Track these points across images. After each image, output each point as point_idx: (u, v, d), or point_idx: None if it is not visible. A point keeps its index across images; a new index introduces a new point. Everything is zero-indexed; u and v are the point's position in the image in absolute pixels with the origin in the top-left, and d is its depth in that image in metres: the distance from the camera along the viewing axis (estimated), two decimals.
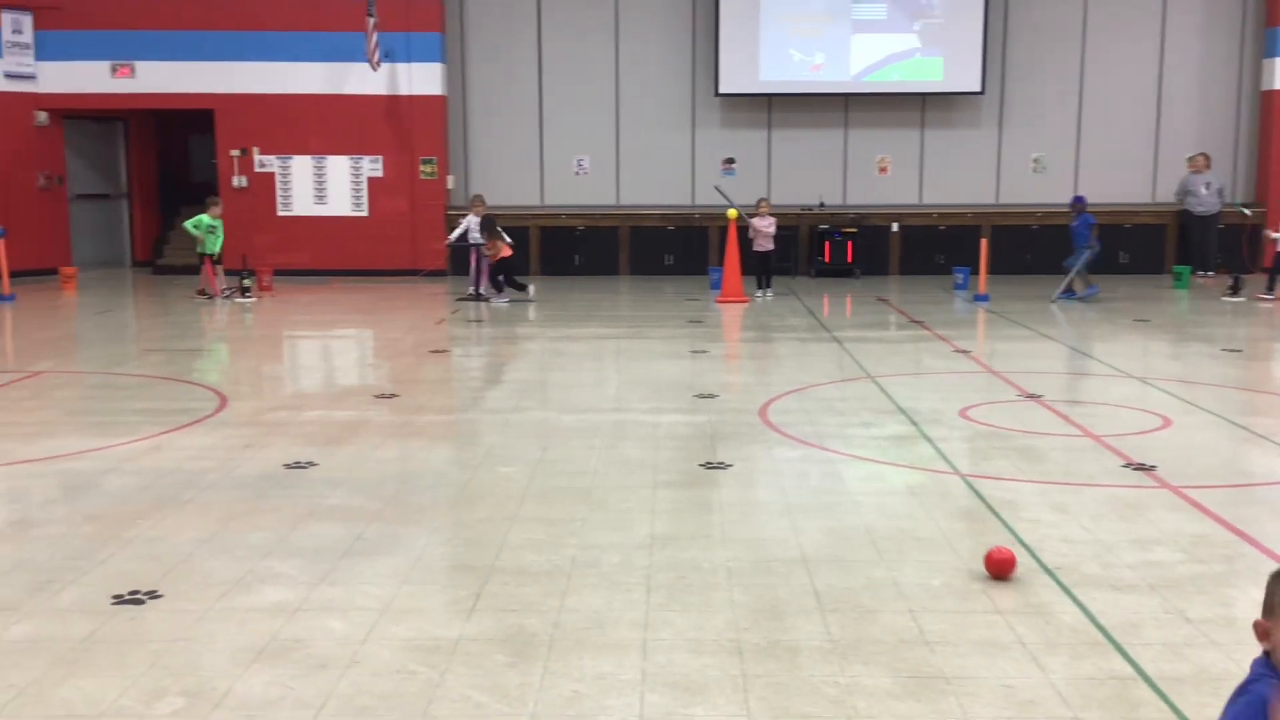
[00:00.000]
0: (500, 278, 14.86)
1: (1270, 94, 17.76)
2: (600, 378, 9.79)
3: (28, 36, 17.47)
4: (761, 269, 15.28)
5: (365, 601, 4.55)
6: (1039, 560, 4.99)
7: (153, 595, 4.62)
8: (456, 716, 3.61)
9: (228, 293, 15.20)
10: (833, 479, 6.53)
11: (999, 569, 4.72)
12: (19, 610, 4.46)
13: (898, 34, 18.02)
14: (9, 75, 17.27)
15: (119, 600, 4.56)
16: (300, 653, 4.07)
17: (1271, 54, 17.70)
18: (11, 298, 14.85)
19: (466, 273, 15.51)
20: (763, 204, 15.50)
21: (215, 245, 15.33)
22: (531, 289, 15.11)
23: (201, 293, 15.23)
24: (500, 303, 14.70)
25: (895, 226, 18.17)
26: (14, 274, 15.39)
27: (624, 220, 18.29)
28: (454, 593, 4.68)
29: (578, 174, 18.59)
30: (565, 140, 18.51)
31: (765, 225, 15.22)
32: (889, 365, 10.11)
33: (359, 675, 3.89)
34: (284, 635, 4.22)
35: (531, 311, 14.33)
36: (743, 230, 15.16)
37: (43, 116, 17.69)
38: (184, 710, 3.64)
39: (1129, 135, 18.29)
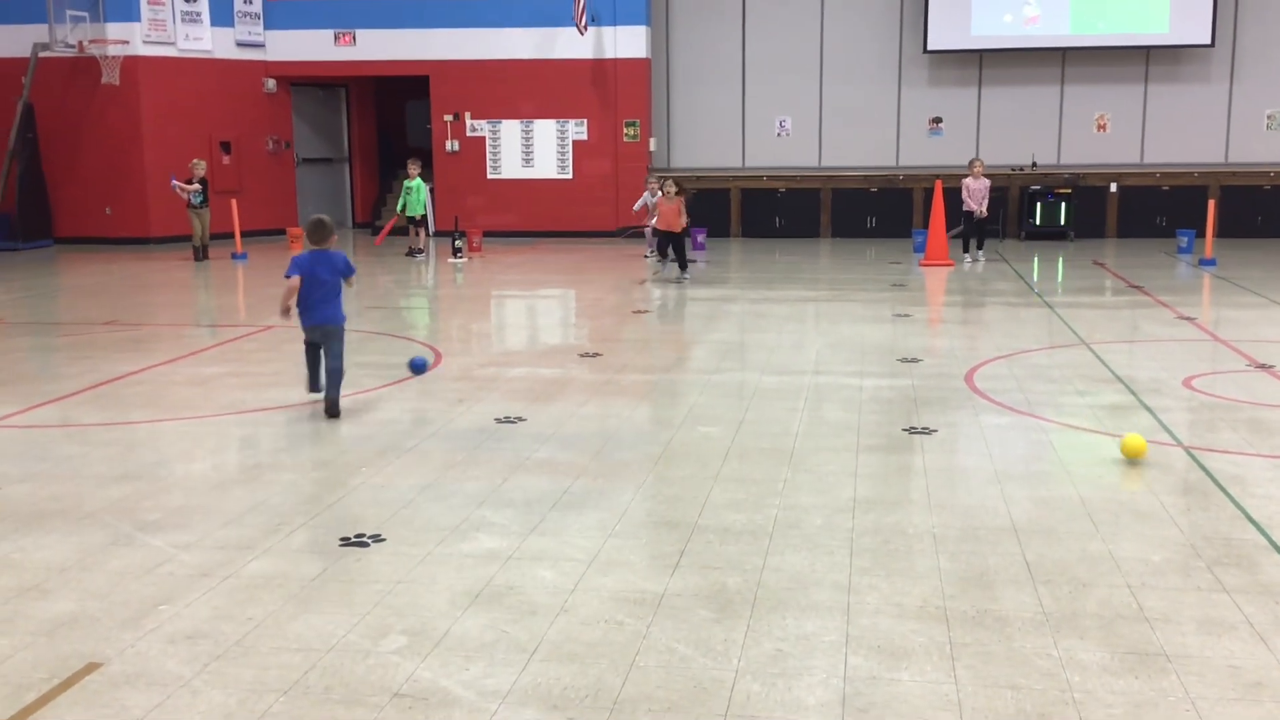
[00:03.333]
0: (668, 248, 13.46)
1: None
2: (801, 340, 9.73)
3: (257, 6, 18.43)
4: (971, 231, 14.76)
5: (573, 552, 4.69)
6: (1269, 538, 4.73)
7: (377, 539, 4.87)
8: (663, 668, 3.69)
9: (410, 252, 15.81)
10: (1044, 448, 6.32)
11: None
12: (255, 549, 4.78)
13: None
14: (240, 44, 18.28)
15: (346, 542, 4.84)
16: (513, 599, 4.23)
17: None
18: (244, 256, 15.78)
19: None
20: (976, 164, 14.91)
21: (411, 207, 15.88)
22: (686, 278, 13.28)
23: (409, 252, 15.86)
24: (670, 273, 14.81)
25: (1113, 187, 17.35)
26: (245, 234, 16.35)
27: (825, 182, 18.06)
28: (658, 548, 4.77)
29: (779, 135, 18.45)
30: (767, 101, 18.38)
31: (978, 186, 14.69)
32: (1105, 331, 9.69)
33: (568, 623, 4.02)
34: (498, 581, 4.39)
35: (732, 273, 14.32)
36: (953, 192, 14.75)
37: (271, 84, 18.67)
38: (407, 648, 3.84)
39: None
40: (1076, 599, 4.17)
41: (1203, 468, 5.76)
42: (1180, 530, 4.87)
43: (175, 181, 15.97)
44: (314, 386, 7.20)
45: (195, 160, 16.05)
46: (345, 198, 20.61)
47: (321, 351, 7.10)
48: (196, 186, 15.70)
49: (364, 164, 20.69)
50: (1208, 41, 16.96)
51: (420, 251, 15.90)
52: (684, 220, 13.30)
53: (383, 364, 8.77)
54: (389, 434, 6.59)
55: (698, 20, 18.37)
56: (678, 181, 13.43)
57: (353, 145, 20.56)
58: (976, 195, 14.64)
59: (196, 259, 15.56)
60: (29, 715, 3.40)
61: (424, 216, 16.03)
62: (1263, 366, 8.14)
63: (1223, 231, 14.82)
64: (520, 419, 6.94)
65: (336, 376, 7.04)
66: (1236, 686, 3.51)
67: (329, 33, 18.39)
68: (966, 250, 14.66)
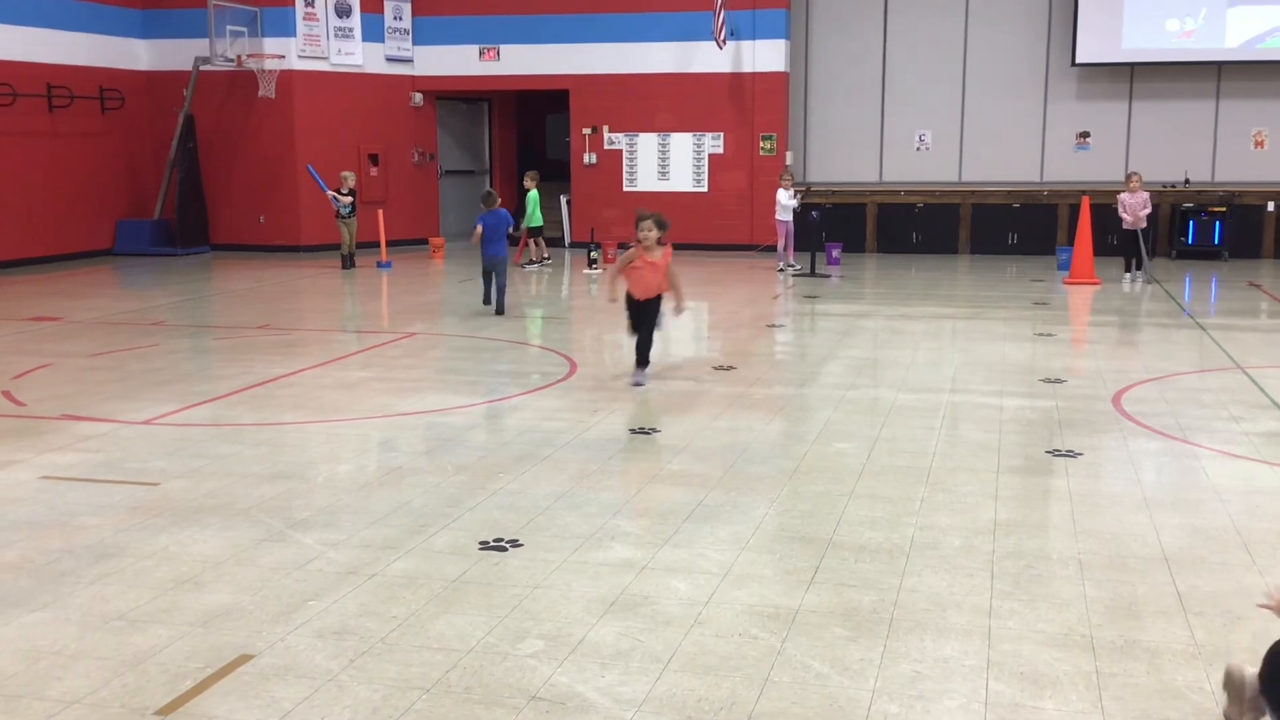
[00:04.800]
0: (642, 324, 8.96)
1: None
2: (938, 357, 9.57)
3: (406, 22, 18.97)
4: (1131, 249, 14.16)
5: (707, 565, 4.69)
6: None
7: (514, 544, 4.96)
8: (798, 684, 3.67)
9: (525, 264, 15.97)
10: (1196, 474, 6.10)
11: None
12: (399, 549, 4.91)
13: None
14: (390, 59, 18.83)
15: (485, 546, 4.93)
16: (648, 609, 4.26)
17: None
18: (388, 265, 16.24)
19: (804, 248, 15.52)
20: (1133, 178, 14.33)
21: (529, 218, 16.09)
22: (641, 381, 8.55)
23: (525, 264, 16.10)
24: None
25: (1271, 206, 16.62)
26: (390, 243, 16.82)
27: (965, 197, 17.74)
28: (793, 563, 4.74)
29: (918, 150, 18.19)
30: (907, 115, 18.15)
31: (1135, 200, 14.13)
32: (1262, 355, 9.30)
33: (702, 635, 4.03)
34: (633, 591, 4.42)
35: (867, 289, 14.17)
36: (1102, 210, 14.31)
37: (418, 97, 19.18)
38: (544, 652, 3.90)
39: None
40: (1230, 632, 4.02)
41: None
42: None
43: (316, 178, 16.53)
44: (487, 300, 11.79)
45: (345, 172, 16.57)
46: None
47: (494, 274, 11.60)
48: (349, 199, 16.20)
49: (504, 176, 21.09)
50: None
51: (535, 263, 16.09)
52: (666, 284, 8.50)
53: (519, 372, 8.92)
54: (525, 442, 6.70)
55: (837, 33, 18.25)
56: (658, 219, 8.45)
57: (494, 157, 20.98)
58: (1133, 210, 14.09)
59: (344, 267, 16.06)
60: (186, 703, 3.56)
61: (540, 227, 16.22)
62: None
63: None
64: (654, 430, 6.98)
65: (503, 291, 11.74)
66: None
67: (474, 48, 18.81)
68: (1128, 270, 14.10)
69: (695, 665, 3.80)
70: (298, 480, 5.96)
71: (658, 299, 8.48)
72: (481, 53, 18.80)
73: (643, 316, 8.45)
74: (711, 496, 5.63)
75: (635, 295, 8.46)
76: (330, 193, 16.29)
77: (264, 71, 17.49)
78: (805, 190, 16.52)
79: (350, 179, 16.45)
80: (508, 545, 4.94)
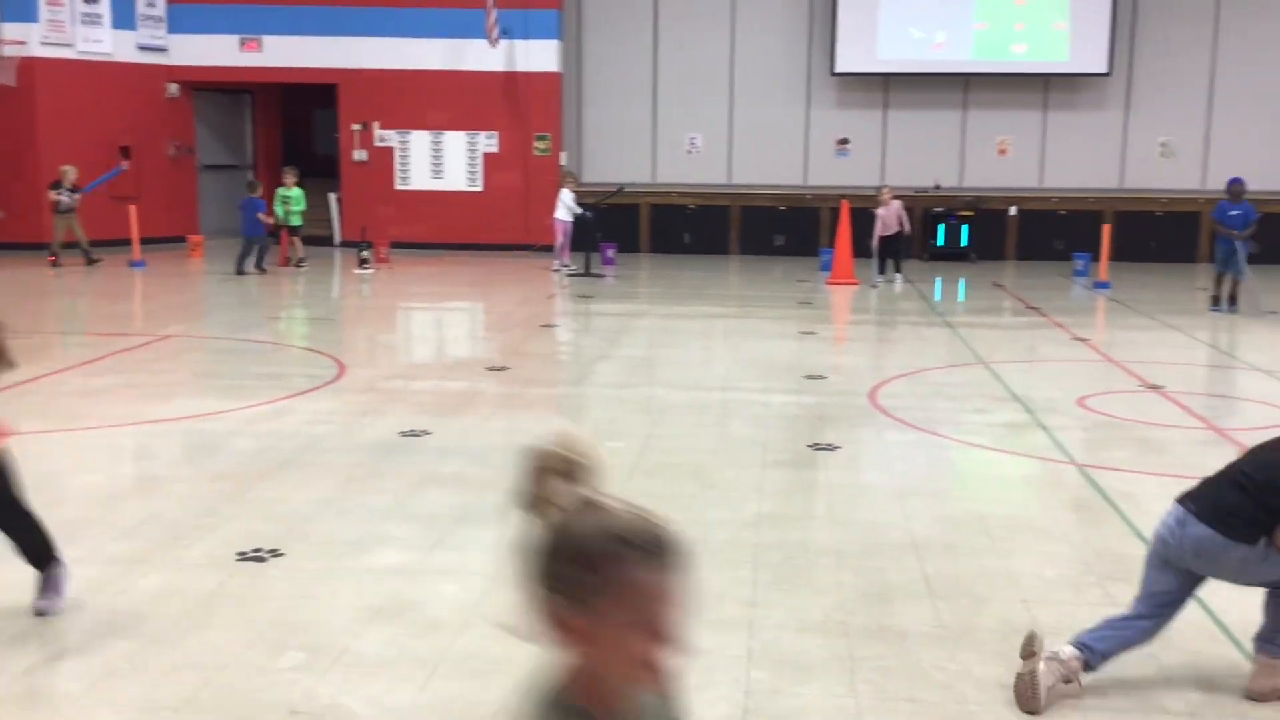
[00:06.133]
0: None
1: None
2: (709, 356, 9.79)
3: (160, 9, 18.03)
4: (888, 253, 14.82)
5: (477, 567, 4.64)
6: None
7: (275, 553, 4.78)
8: None
9: (295, 263, 15.54)
10: (944, 465, 6.45)
11: None
12: (150, 562, 4.65)
13: (1023, 13, 17.58)
14: (142, 47, 17.86)
15: (244, 557, 4.73)
16: (416, 614, 4.18)
17: None
18: (142, 264, 15.40)
19: (579, 248, 15.61)
20: (884, 191, 15.02)
21: (290, 217, 15.61)
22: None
23: (285, 263, 15.60)
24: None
25: (1013, 210, 17.78)
26: (144, 241, 15.96)
27: (735, 199, 18.23)
28: None
29: (690, 152, 18.58)
30: (678, 118, 18.51)
31: (889, 212, 14.75)
32: (1004, 351, 9.93)
33: (471, 639, 3.98)
34: (400, 597, 4.33)
35: (641, 288, 14.38)
36: (861, 214, 14.95)
37: (173, 88, 18.26)
38: (304, 664, 3.76)
39: (1263, 120, 17.59)
40: (973, 613, 4.26)
41: (1095, 485, 5.91)
42: (1073, 546, 5.00)
43: (106, 178, 15.66)
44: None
45: (64, 167, 15.52)
46: None
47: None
48: (65, 196, 15.23)
49: (269, 170, 20.31)
50: (1105, 70, 17.50)
51: (302, 261, 15.60)
52: None
53: (284, 375, 8.62)
54: (289, 447, 6.47)
55: (610, 36, 18.45)
56: None
57: (257, 152, 20.20)
58: (887, 222, 14.70)
59: (86, 264, 15.12)
60: None
61: (300, 227, 15.72)
62: (1153, 387, 8.40)
63: (1117, 255, 15.26)
64: (426, 432, 6.87)
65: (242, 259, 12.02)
66: (1125, 697, 3.61)
67: (234, 38, 18.06)
68: (882, 271, 14.75)
69: (464, 670, 3.75)
70: (36, 493, 5.56)
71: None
72: (242, 43, 18.07)
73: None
74: (483, 498, 5.57)
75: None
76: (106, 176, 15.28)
77: (3, 59, 16.29)
78: (579, 190, 16.61)
79: (71, 173, 15.46)
80: (268, 555, 4.76)
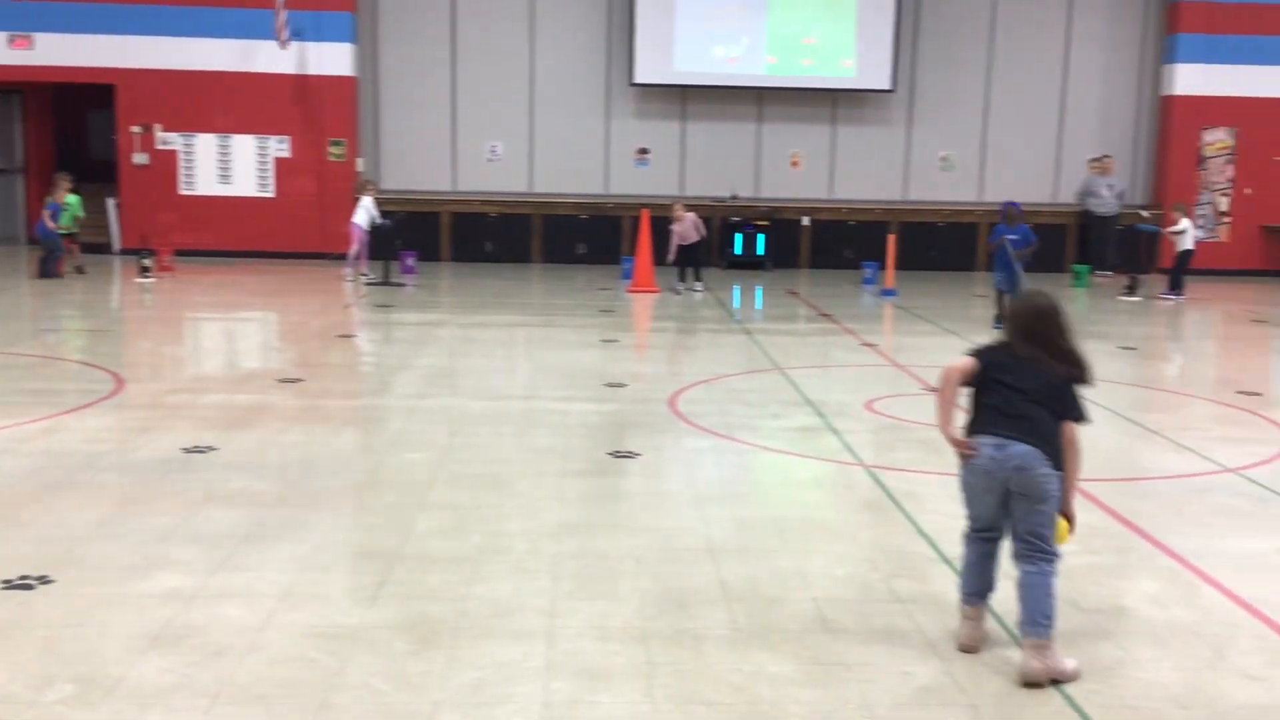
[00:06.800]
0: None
1: (1169, 99, 18.31)
2: (511, 365, 9.73)
3: None
4: (688, 262, 15.03)
5: (265, 588, 4.47)
6: (939, 551, 5.08)
7: (44, 580, 4.48)
8: (356, 704, 3.56)
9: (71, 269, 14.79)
10: (741, 469, 6.58)
11: None
12: None
13: (813, 30, 18.18)
14: None
15: (8, 585, 4.42)
16: (197, 640, 3.98)
17: (1170, 60, 18.24)
18: None
19: (378, 256, 15.29)
20: (677, 207, 15.25)
21: (68, 222, 14.89)
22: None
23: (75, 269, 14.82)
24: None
25: (806, 220, 18.35)
26: None
27: (537, 208, 18.21)
28: (357, 579, 4.62)
29: (490, 160, 18.46)
30: (478, 126, 18.36)
31: (684, 227, 14.98)
32: (798, 357, 10.21)
33: (257, 663, 3.82)
34: (180, 622, 4.12)
35: (442, 297, 14.19)
36: (661, 223, 15.14)
37: None
38: (74, 698, 3.53)
39: (1033, 136, 18.71)
40: (767, 614, 4.34)
41: (881, 486, 6.14)
42: (861, 545, 5.17)
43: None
44: None
45: None
46: (18, 211, 19.00)
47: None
48: None
49: (40, 176, 19.14)
50: (889, 87, 18.26)
51: (81, 269, 14.80)
52: None
53: (57, 390, 8.12)
54: (60, 467, 6.09)
55: (406, 42, 18.15)
56: None
57: (28, 156, 19.01)
58: (683, 234, 14.91)
59: None
60: None
61: (77, 233, 14.95)
62: (934, 390, 8.76)
63: (902, 264, 15.92)
64: (212, 448, 6.58)
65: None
66: (908, 691, 3.74)
67: (2, 35, 16.95)
68: (682, 279, 14.95)
69: (248, 696, 3.59)
70: None
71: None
72: (11, 40, 16.97)
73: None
74: (273, 515, 5.38)
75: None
76: None
77: None
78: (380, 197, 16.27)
79: None
80: (36, 583, 4.45)
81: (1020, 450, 3.87)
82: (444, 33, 18.16)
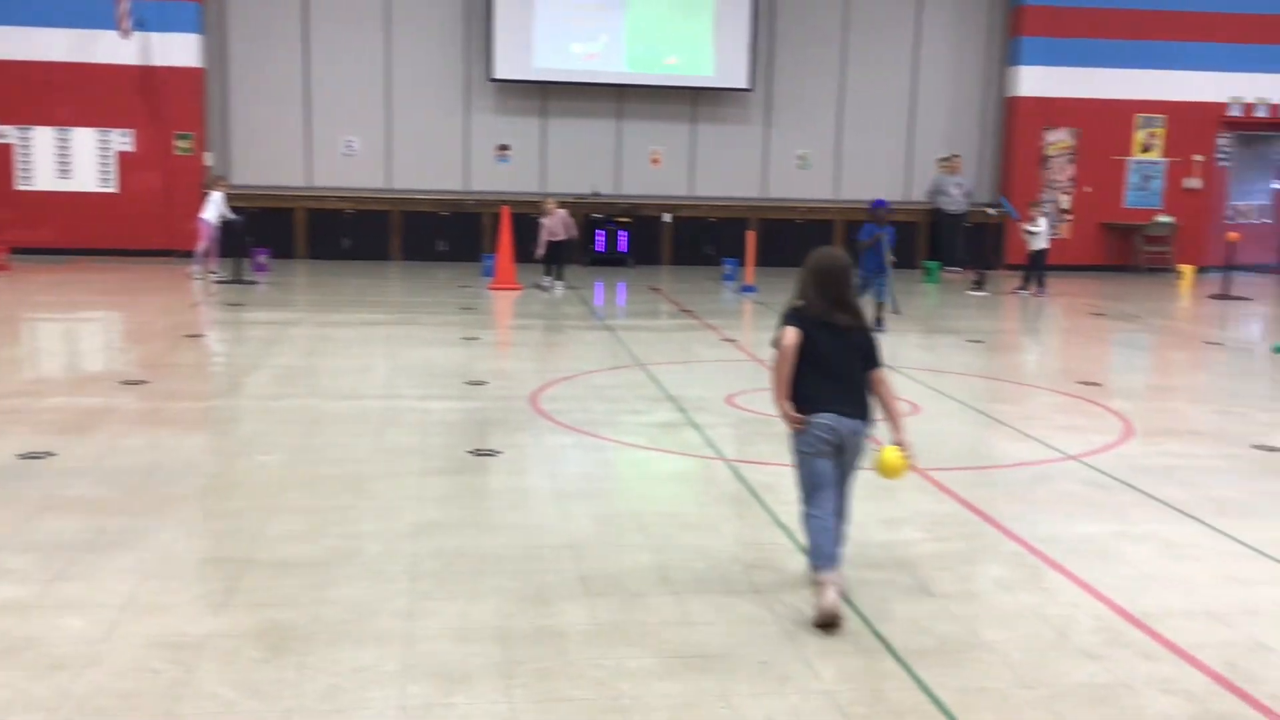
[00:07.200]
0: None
1: (1014, 100, 18.99)
2: (369, 364, 9.55)
3: None
4: (554, 259, 14.96)
5: (106, 598, 4.28)
6: (796, 542, 5.15)
7: None
8: (202, 715, 3.43)
9: None
10: (603, 465, 6.57)
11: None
12: None
13: (672, 29, 18.31)
14: None
15: None
16: (33, 653, 3.79)
17: (1015, 62, 18.92)
18: None
19: (229, 254, 14.84)
20: (548, 202, 15.19)
21: None
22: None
23: None
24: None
25: (667, 218, 18.48)
26: None
27: (395, 204, 17.93)
28: (204, 586, 4.46)
29: (346, 155, 18.09)
30: (333, 120, 17.98)
31: (554, 222, 14.93)
32: (660, 353, 10.26)
33: (98, 675, 3.65)
34: (15, 635, 3.92)
35: (297, 295, 13.85)
36: (522, 220, 15.05)
37: None
38: None
39: (885, 136, 19.20)
40: (628, 609, 4.34)
41: (742, 479, 6.20)
42: (722, 538, 5.21)
43: None
44: None
45: None
46: None
47: None
48: None
49: None
50: (747, 86, 18.51)
51: None
52: None
53: None
54: None
55: (257, 33, 17.65)
56: None
57: None
58: (552, 231, 14.87)
59: None
60: None
61: None
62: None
63: (761, 261, 16.15)
64: (49, 453, 6.28)
65: None
66: (766, 680, 3.78)
67: None
68: (548, 274, 14.88)
69: (87, 710, 3.43)
70: None
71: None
72: None
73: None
74: (114, 522, 5.15)
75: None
76: None
77: None
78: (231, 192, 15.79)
79: None
80: None
81: (854, 424, 4.38)
82: (296, 23, 17.72)
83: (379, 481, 5.96)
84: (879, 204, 12.25)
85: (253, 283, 14.50)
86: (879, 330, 11.34)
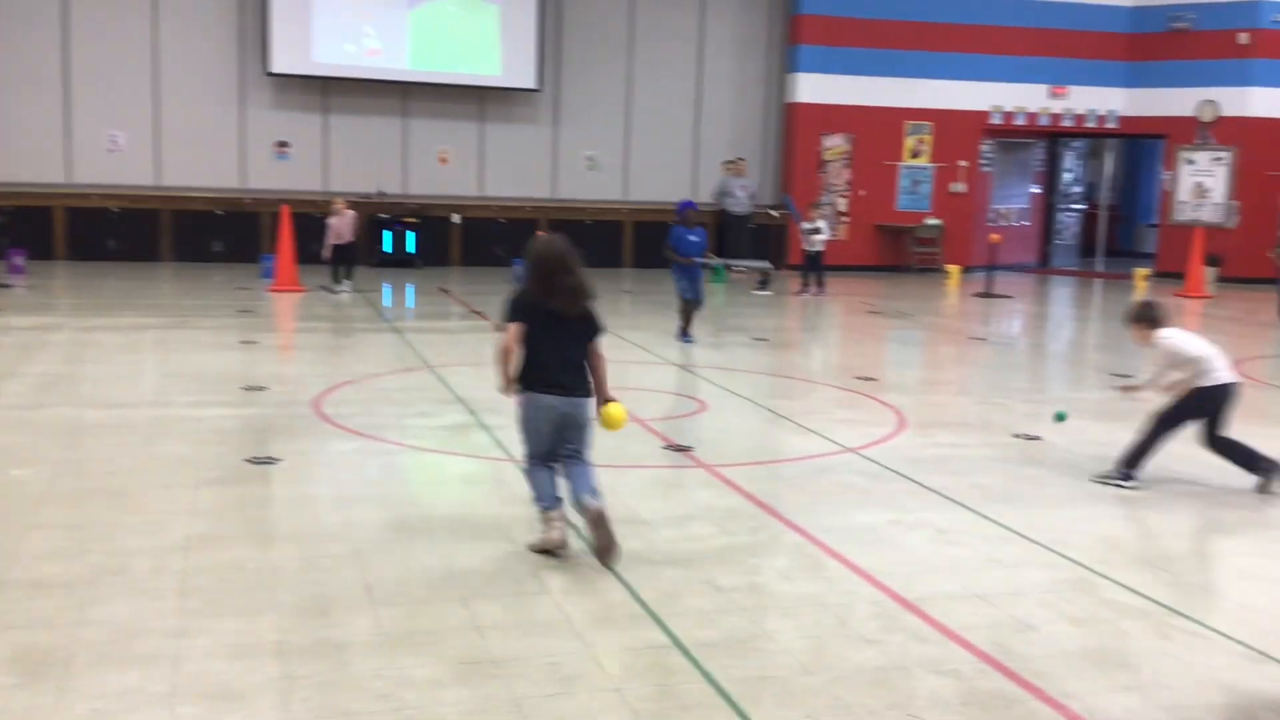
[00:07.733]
0: None
1: (792, 106, 19.59)
2: (137, 370, 9.05)
3: None
4: (341, 261, 14.51)
5: None
6: (587, 542, 5.14)
7: None
8: None
9: None
10: (389, 470, 6.42)
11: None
12: None
13: (457, 26, 18.10)
14: None
15: None
16: None
17: (793, 69, 19.53)
18: None
19: None
20: (337, 202, 14.77)
21: None
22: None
23: None
24: None
25: (456, 218, 18.25)
26: None
27: (166, 203, 17.07)
28: None
29: (111, 151, 17.10)
30: (96, 113, 16.95)
31: (343, 222, 14.51)
32: (449, 355, 10.11)
33: None
34: None
35: (57, 299, 13.02)
36: (304, 220, 14.57)
37: None
38: None
39: (672, 138, 19.48)
40: (414, 617, 4.24)
41: None
42: (511, 541, 5.15)
43: None
44: None
45: None
46: None
47: None
48: None
49: None
50: (535, 87, 18.46)
51: None
52: None
53: None
54: None
55: (9, 16, 16.46)
56: None
57: None
58: (339, 231, 14.47)
59: None
60: None
61: None
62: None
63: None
64: None
65: None
66: (555, 682, 3.75)
67: None
68: (336, 279, 14.43)
69: None
70: None
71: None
72: None
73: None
74: None
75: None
76: None
77: None
78: None
79: None
80: None
81: (575, 401, 4.88)
82: (54, 8, 16.64)
83: (147, 494, 5.64)
84: (687, 205, 11.65)
85: (7, 286, 13.54)
86: (692, 340, 11.22)
